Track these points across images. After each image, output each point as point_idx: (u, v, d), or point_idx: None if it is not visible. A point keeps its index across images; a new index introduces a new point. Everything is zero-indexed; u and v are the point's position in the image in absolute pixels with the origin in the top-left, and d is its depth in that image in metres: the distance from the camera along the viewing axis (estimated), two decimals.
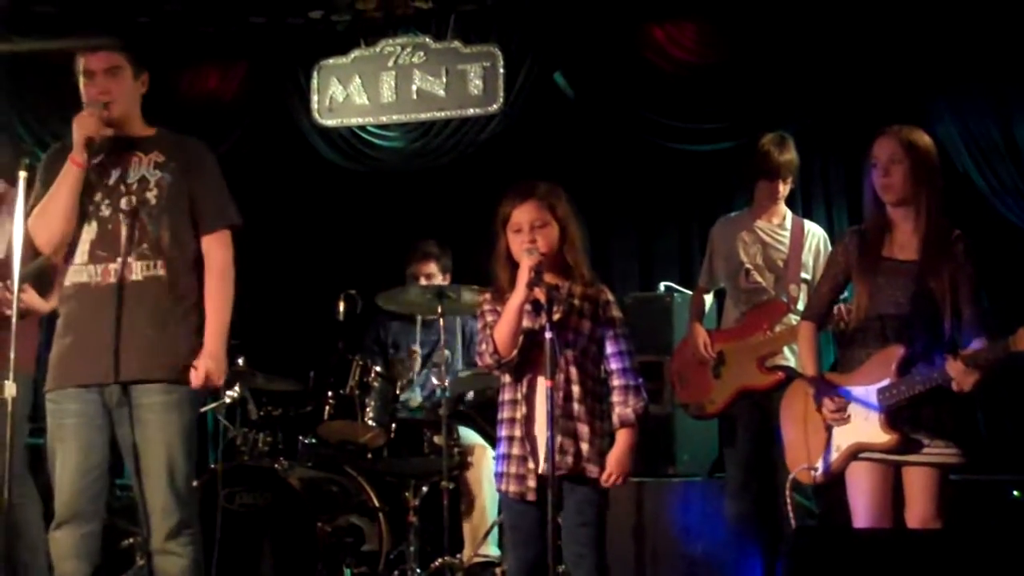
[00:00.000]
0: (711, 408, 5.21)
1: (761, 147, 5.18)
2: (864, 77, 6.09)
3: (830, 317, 4.32)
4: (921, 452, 3.86)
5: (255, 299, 7.09)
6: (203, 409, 5.73)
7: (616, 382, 3.85)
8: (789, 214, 5.29)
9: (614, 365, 3.86)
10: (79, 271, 3.88)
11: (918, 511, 3.88)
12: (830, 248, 5.19)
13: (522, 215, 3.82)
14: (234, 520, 5.21)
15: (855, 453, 3.94)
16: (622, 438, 3.81)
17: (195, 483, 4.07)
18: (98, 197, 3.89)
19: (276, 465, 5.40)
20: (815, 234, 5.24)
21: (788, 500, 4.10)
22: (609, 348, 3.87)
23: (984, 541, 3.25)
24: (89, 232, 3.88)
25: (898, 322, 3.90)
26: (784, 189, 5.21)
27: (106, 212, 3.88)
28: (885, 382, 3.87)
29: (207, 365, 3.81)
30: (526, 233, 3.79)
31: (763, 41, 6.22)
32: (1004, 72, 5.82)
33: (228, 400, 5.59)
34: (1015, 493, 5.33)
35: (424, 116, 6.88)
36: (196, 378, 3.80)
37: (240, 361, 5.50)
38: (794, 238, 5.18)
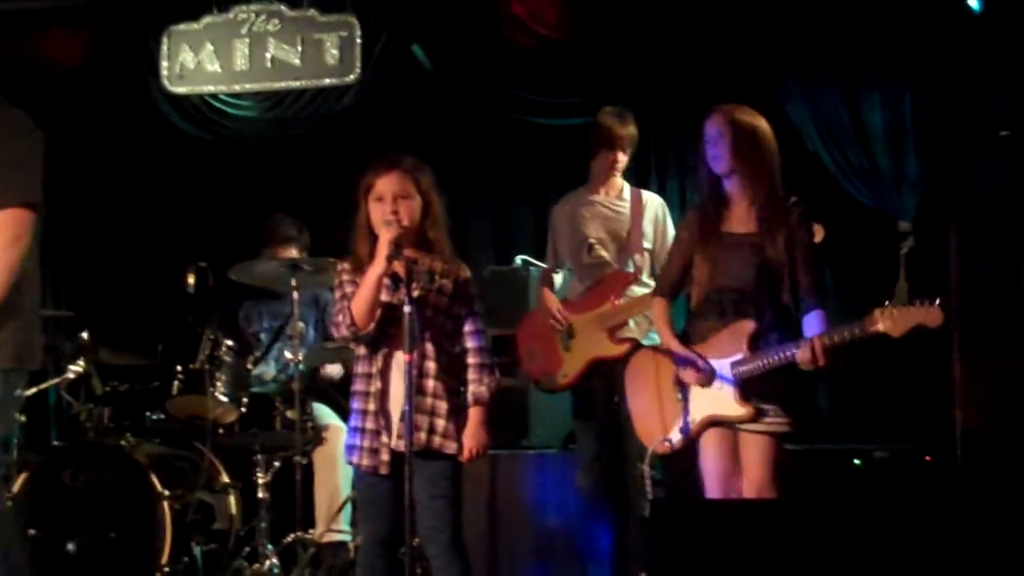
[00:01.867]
0: (563, 381, 5.24)
1: (601, 119, 5.24)
2: (718, 57, 6.19)
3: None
4: (758, 421, 3.96)
5: (101, 270, 6.96)
6: (44, 385, 5.58)
7: (472, 360, 3.88)
8: (627, 186, 5.34)
9: (471, 344, 3.88)
10: None
11: (753, 479, 3.96)
12: (668, 216, 5.28)
13: (386, 185, 3.79)
14: (79, 498, 5.11)
15: (709, 424, 4.01)
16: (475, 415, 3.85)
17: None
18: None
19: (122, 441, 5.28)
20: (653, 202, 5.30)
21: (646, 473, 4.14)
22: (467, 327, 3.88)
23: (830, 509, 3.35)
24: None
25: (737, 295, 3.99)
26: (623, 160, 5.26)
27: None
28: (738, 356, 3.95)
29: None
30: (388, 204, 3.77)
31: (621, 18, 6.25)
32: (853, 55, 5.97)
33: (71, 375, 5.42)
34: (856, 462, 5.50)
35: (279, 85, 6.73)
36: None
37: (84, 335, 5.34)
38: (633, 208, 5.25)
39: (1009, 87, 5.62)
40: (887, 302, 3.71)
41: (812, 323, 3.93)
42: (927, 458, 5.41)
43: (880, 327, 3.70)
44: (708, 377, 4.00)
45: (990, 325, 5.79)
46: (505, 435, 5.79)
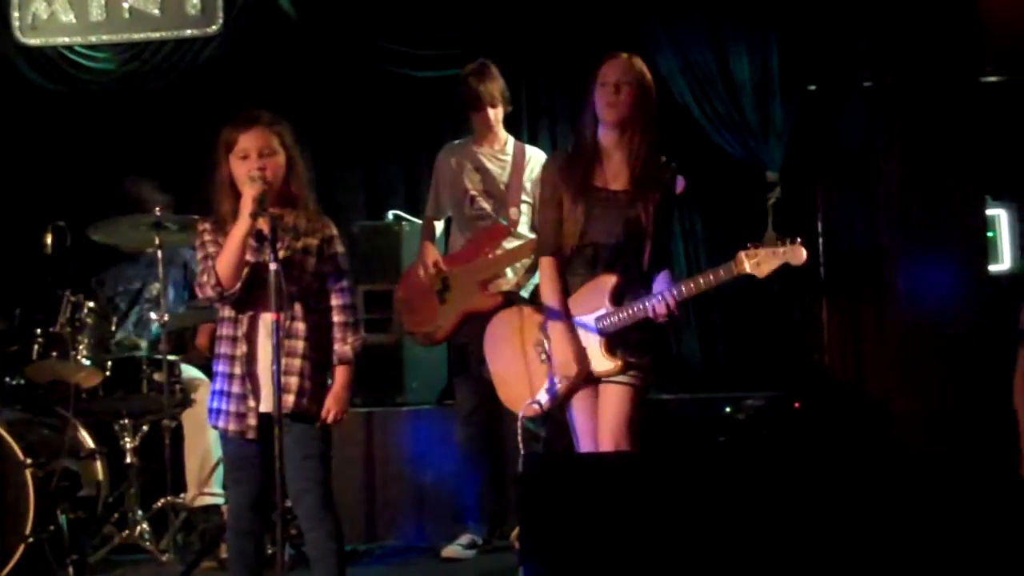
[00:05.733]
0: (438, 334, 5.25)
1: (462, 79, 5.25)
2: (588, 4, 6.17)
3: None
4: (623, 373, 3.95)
5: None
6: None
7: (336, 319, 3.81)
8: (511, 140, 5.37)
9: (335, 301, 3.81)
10: None
11: (610, 429, 3.92)
12: None
13: (249, 141, 3.69)
14: None
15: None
16: (340, 375, 3.80)
17: None
18: None
19: None
20: (536, 158, 5.31)
21: (519, 431, 4.09)
22: (331, 284, 3.81)
23: (702, 459, 3.38)
24: None
25: (609, 251, 3.96)
26: (494, 115, 5.26)
27: None
28: (601, 311, 3.94)
29: None
30: (253, 160, 3.67)
31: None
32: (720, 3, 6.00)
33: None
34: (727, 409, 5.59)
35: (137, 36, 6.51)
36: None
37: None
38: (515, 163, 5.27)
39: (872, 36, 5.70)
40: (749, 244, 3.75)
41: (660, 280, 3.93)
42: (796, 405, 5.52)
43: (746, 268, 3.75)
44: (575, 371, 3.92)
45: (854, 273, 5.91)
46: (379, 391, 5.76)
